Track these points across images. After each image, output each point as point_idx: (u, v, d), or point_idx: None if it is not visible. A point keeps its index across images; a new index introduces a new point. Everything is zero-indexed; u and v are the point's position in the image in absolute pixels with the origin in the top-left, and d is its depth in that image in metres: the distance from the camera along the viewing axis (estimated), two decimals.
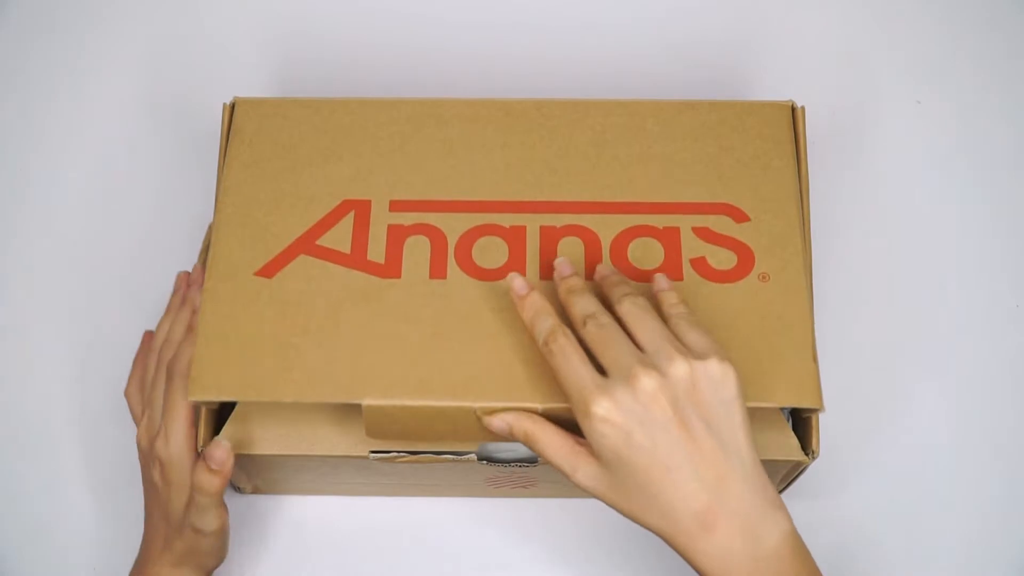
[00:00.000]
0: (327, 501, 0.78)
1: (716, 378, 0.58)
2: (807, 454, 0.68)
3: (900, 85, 0.87)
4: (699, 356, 0.59)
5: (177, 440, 0.67)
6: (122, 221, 0.84)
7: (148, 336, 0.75)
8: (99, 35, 0.89)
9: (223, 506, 0.67)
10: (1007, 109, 0.87)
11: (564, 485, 0.74)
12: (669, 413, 0.58)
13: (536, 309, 0.62)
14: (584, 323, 0.61)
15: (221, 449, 0.66)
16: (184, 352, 0.69)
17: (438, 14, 0.90)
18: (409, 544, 0.77)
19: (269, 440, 0.68)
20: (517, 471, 0.69)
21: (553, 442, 0.61)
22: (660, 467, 0.57)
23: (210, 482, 0.65)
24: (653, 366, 0.58)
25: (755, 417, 0.65)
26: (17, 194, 0.86)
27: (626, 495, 0.59)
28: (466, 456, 0.67)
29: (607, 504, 0.60)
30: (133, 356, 0.74)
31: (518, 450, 0.68)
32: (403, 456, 0.67)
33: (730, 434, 0.58)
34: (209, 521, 0.67)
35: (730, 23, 0.91)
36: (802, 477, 0.72)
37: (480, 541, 0.77)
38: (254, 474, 0.74)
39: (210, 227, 0.74)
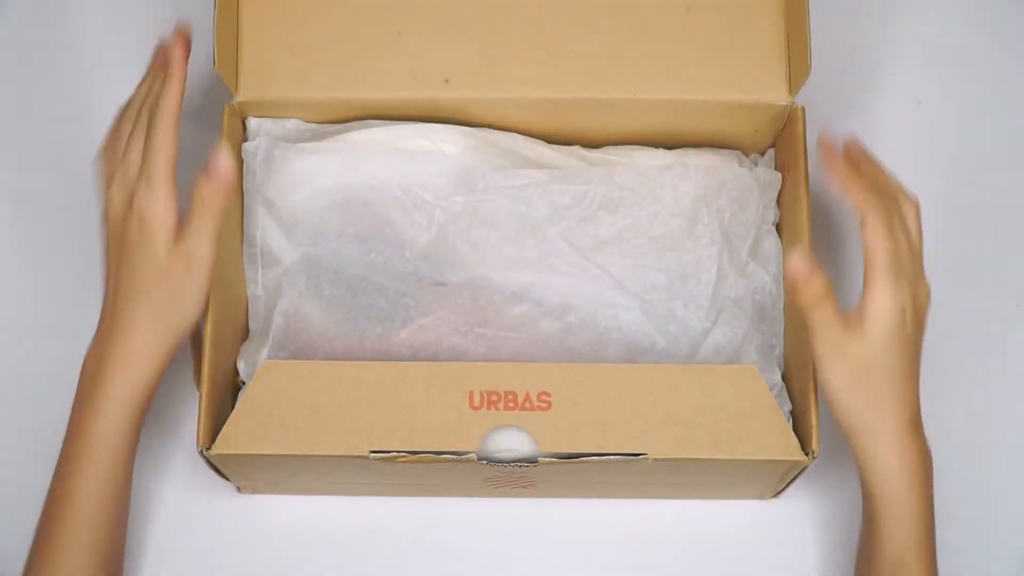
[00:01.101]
0: (327, 501, 0.78)
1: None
2: (807, 454, 0.68)
3: (900, 85, 0.87)
4: None
5: (161, 181, 0.63)
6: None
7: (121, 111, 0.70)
8: (99, 35, 0.89)
9: (216, 232, 0.64)
10: (1007, 109, 0.87)
11: (564, 485, 0.74)
12: (923, 327, 0.64)
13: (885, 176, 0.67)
14: (890, 212, 0.64)
15: (224, 156, 0.63)
16: (169, 94, 0.65)
17: None
18: (409, 544, 0.77)
19: (269, 440, 0.68)
20: (517, 471, 0.69)
21: (827, 327, 0.63)
22: (907, 367, 0.63)
23: (212, 193, 0.63)
24: (927, 288, 0.65)
25: (755, 417, 0.65)
26: (17, 194, 0.86)
27: (865, 384, 0.63)
28: (466, 456, 0.67)
29: (836, 389, 0.63)
30: None
31: (518, 450, 0.68)
32: (403, 456, 0.67)
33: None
34: (202, 243, 0.64)
35: None
36: (802, 477, 0.72)
37: (480, 541, 0.77)
38: (254, 474, 0.74)
39: None
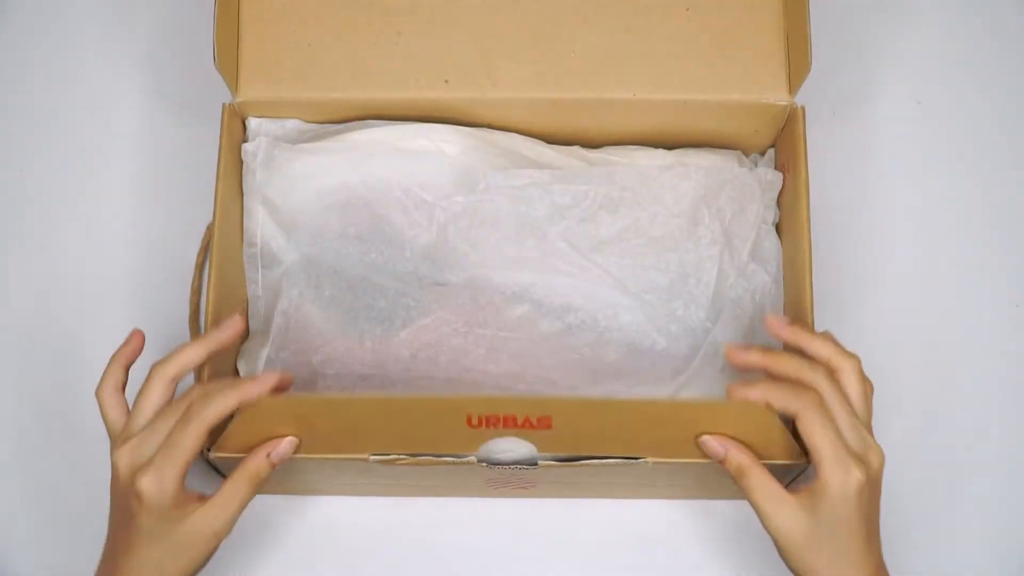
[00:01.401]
0: (329, 501, 0.78)
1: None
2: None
3: (900, 85, 0.87)
4: None
5: (168, 484, 0.62)
6: (121, 221, 0.84)
7: (137, 335, 0.69)
8: (100, 35, 0.89)
9: (243, 507, 0.65)
10: (1007, 109, 0.87)
11: (564, 485, 0.74)
12: (879, 489, 0.65)
13: (799, 364, 0.65)
14: (821, 389, 0.64)
15: (289, 446, 0.65)
16: (216, 401, 0.63)
17: None
18: (410, 544, 0.77)
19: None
20: (517, 473, 0.69)
21: (764, 485, 0.64)
22: (864, 532, 0.63)
23: (261, 471, 0.64)
24: (874, 444, 0.64)
25: (752, 422, 0.65)
26: (17, 193, 0.86)
27: (817, 551, 0.63)
28: (466, 459, 0.67)
29: (788, 554, 0.64)
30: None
31: (518, 452, 0.68)
32: (403, 459, 0.67)
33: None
34: (226, 515, 0.64)
35: None
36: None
37: (480, 541, 0.77)
38: None
39: (209, 226, 0.74)
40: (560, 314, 0.75)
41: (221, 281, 0.72)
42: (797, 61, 0.73)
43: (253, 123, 0.77)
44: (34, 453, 0.79)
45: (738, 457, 0.64)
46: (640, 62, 0.75)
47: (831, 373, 0.65)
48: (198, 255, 0.81)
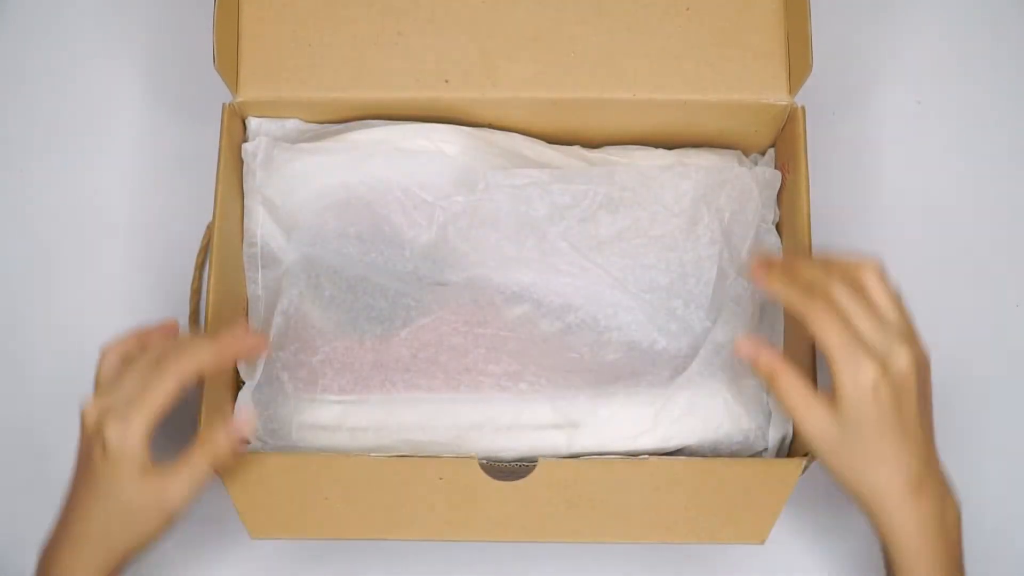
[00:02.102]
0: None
1: (928, 366, 0.65)
2: (807, 454, 0.68)
3: (900, 85, 0.87)
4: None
5: (133, 435, 0.62)
6: (121, 221, 0.84)
7: (172, 325, 0.69)
8: (100, 35, 0.89)
9: (201, 483, 0.64)
10: (1007, 109, 0.87)
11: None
12: (915, 391, 0.63)
13: (815, 273, 0.65)
14: (832, 286, 0.63)
15: (249, 421, 0.65)
16: (190, 353, 0.64)
17: None
18: (410, 544, 0.77)
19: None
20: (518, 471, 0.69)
21: (794, 385, 0.63)
22: (897, 433, 0.62)
23: (222, 444, 0.64)
24: (909, 345, 0.63)
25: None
26: (17, 193, 0.86)
27: (850, 453, 0.63)
28: (467, 456, 0.67)
29: (823, 458, 0.63)
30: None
31: (518, 449, 0.68)
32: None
33: (931, 418, 0.65)
34: (182, 486, 0.63)
35: None
36: (802, 478, 0.72)
37: (480, 541, 0.77)
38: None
39: (209, 226, 0.74)
40: (560, 314, 0.75)
41: (221, 281, 0.72)
42: (797, 61, 0.73)
43: (253, 123, 0.77)
44: (34, 453, 0.79)
45: (770, 360, 0.64)
46: (640, 62, 0.75)
47: (851, 281, 0.64)
48: (198, 255, 0.81)
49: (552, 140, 0.79)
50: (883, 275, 0.65)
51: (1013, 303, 0.83)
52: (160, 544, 0.66)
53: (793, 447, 0.73)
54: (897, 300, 0.65)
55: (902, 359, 0.62)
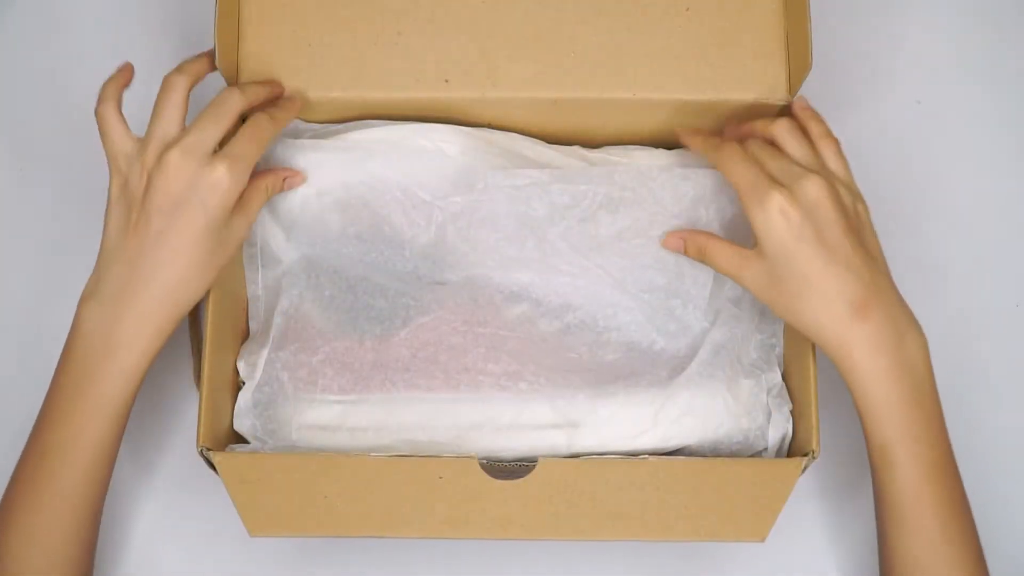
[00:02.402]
0: None
1: (865, 206, 0.67)
2: (807, 454, 0.68)
3: (900, 85, 0.87)
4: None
5: (246, 174, 0.67)
6: None
7: (128, 67, 0.71)
8: (100, 35, 0.89)
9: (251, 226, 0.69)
10: (1007, 109, 0.87)
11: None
12: (833, 215, 0.64)
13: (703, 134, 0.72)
14: (746, 142, 0.69)
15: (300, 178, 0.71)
16: (284, 114, 0.71)
17: None
18: (410, 543, 0.77)
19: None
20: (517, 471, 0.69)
21: (724, 250, 0.68)
22: (822, 258, 0.63)
23: (272, 186, 0.69)
24: (821, 175, 0.65)
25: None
26: (17, 193, 0.86)
27: (787, 290, 0.64)
28: (467, 456, 0.67)
29: (767, 302, 0.65)
30: None
31: (518, 449, 0.68)
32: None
33: (877, 251, 0.66)
34: (243, 229, 0.68)
35: None
36: (802, 477, 0.72)
37: (479, 541, 0.77)
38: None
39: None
40: (559, 313, 0.75)
41: (221, 281, 0.72)
42: (797, 61, 0.73)
43: None
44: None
45: (695, 239, 0.69)
46: (640, 62, 0.75)
47: (766, 135, 0.69)
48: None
49: (552, 140, 0.79)
50: (793, 126, 0.68)
51: (1013, 303, 0.83)
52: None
53: (793, 447, 0.73)
54: (809, 146, 0.68)
55: (809, 185, 0.64)
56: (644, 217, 0.76)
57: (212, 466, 0.69)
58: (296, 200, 0.76)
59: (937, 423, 0.65)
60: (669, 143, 0.79)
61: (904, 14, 0.89)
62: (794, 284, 0.63)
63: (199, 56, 0.71)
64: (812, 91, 0.74)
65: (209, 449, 0.67)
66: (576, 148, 0.79)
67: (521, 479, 0.66)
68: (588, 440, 0.70)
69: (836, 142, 0.70)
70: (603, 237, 0.76)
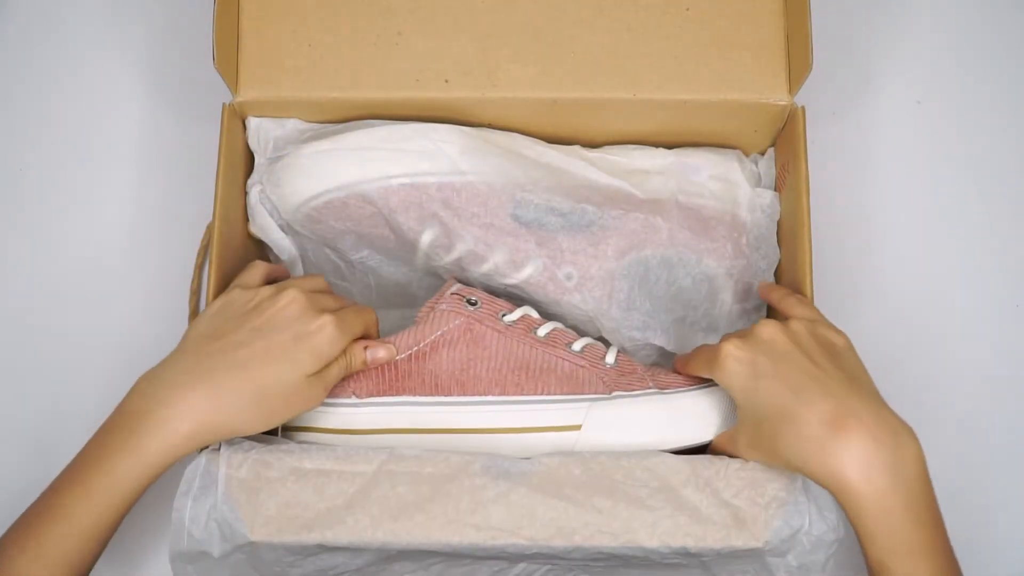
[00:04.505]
0: None
1: (833, 331, 0.64)
2: None
3: (900, 85, 0.87)
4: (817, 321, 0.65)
5: (344, 341, 0.67)
6: (121, 221, 0.84)
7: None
8: (100, 35, 0.89)
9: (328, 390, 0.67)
10: (1007, 109, 0.87)
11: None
12: (790, 346, 0.62)
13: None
14: None
15: (387, 352, 0.69)
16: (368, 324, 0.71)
17: None
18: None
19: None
20: None
21: (719, 437, 0.67)
22: (786, 386, 0.60)
23: (358, 361, 0.68)
24: (773, 322, 0.64)
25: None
26: (17, 192, 0.86)
27: (765, 434, 0.61)
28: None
29: (760, 459, 0.63)
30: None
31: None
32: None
33: (853, 366, 0.62)
34: (324, 390, 0.67)
35: None
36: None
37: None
38: None
39: (208, 227, 0.74)
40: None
41: (221, 281, 0.72)
42: (797, 61, 0.73)
43: (253, 123, 0.77)
44: (35, 453, 0.79)
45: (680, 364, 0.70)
46: (640, 62, 0.75)
47: None
48: (198, 255, 0.81)
49: (552, 140, 0.79)
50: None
51: (1013, 303, 0.83)
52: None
53: None
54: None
55: (759, 327, 0.63)
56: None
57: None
58: (296, 200, 0.76)
59: (938, 535, 0.60)
60: (669, 143, 0.79)
61: (904, 14, 0.89)
62: (768, 425, 0.60)
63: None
64: (812, 91, 0.74)
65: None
66: (576, 148, 0.79)
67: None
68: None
69: (802, 296, 0.70)
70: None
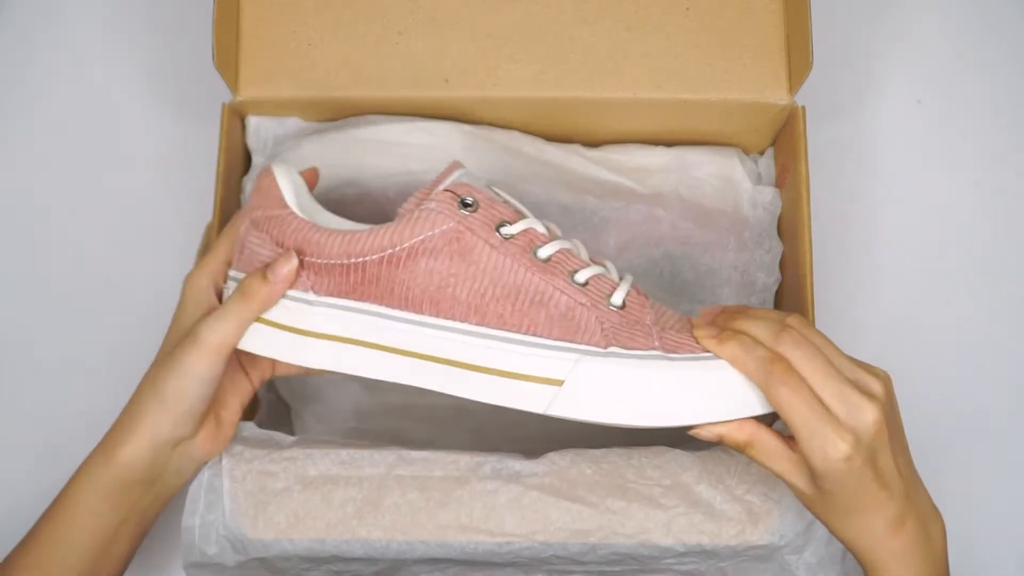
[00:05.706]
0: None
1: (894, 400, 0.62)
2: None
3: (900, 85, 0.87)
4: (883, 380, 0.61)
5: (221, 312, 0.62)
6: (120, 221, 0.84)
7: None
8: (100, 35, 0.89)
9: (241, 330, 0.62)
10: (1007, 109, 0.87)
11: None
12: (886, 439, 0.59)
13: (740, 340, 0.60)
14: (779, 342, 0.59)
15: (289, 265, 0.62)
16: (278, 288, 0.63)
17: None
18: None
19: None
20: None
21: (771, 450, 0.61)
22: (874, 484, 0.60)
23: (257, 291, 0.62)
24: (869, 393, 0.59)
25: None
26: (17, 192, 0.86)
27: (832, 505, 0.61)
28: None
29: (807, 506, 0.62)
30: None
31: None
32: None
33: (906, 447, 0.62)
34: (218, 330, 0.62)
35: None
36: None
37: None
38: None
39: (208, 227, 0.74)
40: None
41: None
42: (797, 61, 0.73)
43: (252, 122, 0.77)
44: (35, 453, 0.79)
45: (734, 437, 0.61)
46: (640, 62, 0.75)
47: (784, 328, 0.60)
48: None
49: (552, 139, 0.79)
50: (804, 329, 0.60)
51: (1013, 303, 0.83)
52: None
53: None
54: (835, 347, 0.61)
55: (868, 417, 0.58)
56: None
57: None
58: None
59: None
60: (669, 143, 0.79)
61: (904, 14, 0.89)
62: (841, 502, 0.60)
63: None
64: (812, 91, 0.74)
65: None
66: (576, 147, 0.79)
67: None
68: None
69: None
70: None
